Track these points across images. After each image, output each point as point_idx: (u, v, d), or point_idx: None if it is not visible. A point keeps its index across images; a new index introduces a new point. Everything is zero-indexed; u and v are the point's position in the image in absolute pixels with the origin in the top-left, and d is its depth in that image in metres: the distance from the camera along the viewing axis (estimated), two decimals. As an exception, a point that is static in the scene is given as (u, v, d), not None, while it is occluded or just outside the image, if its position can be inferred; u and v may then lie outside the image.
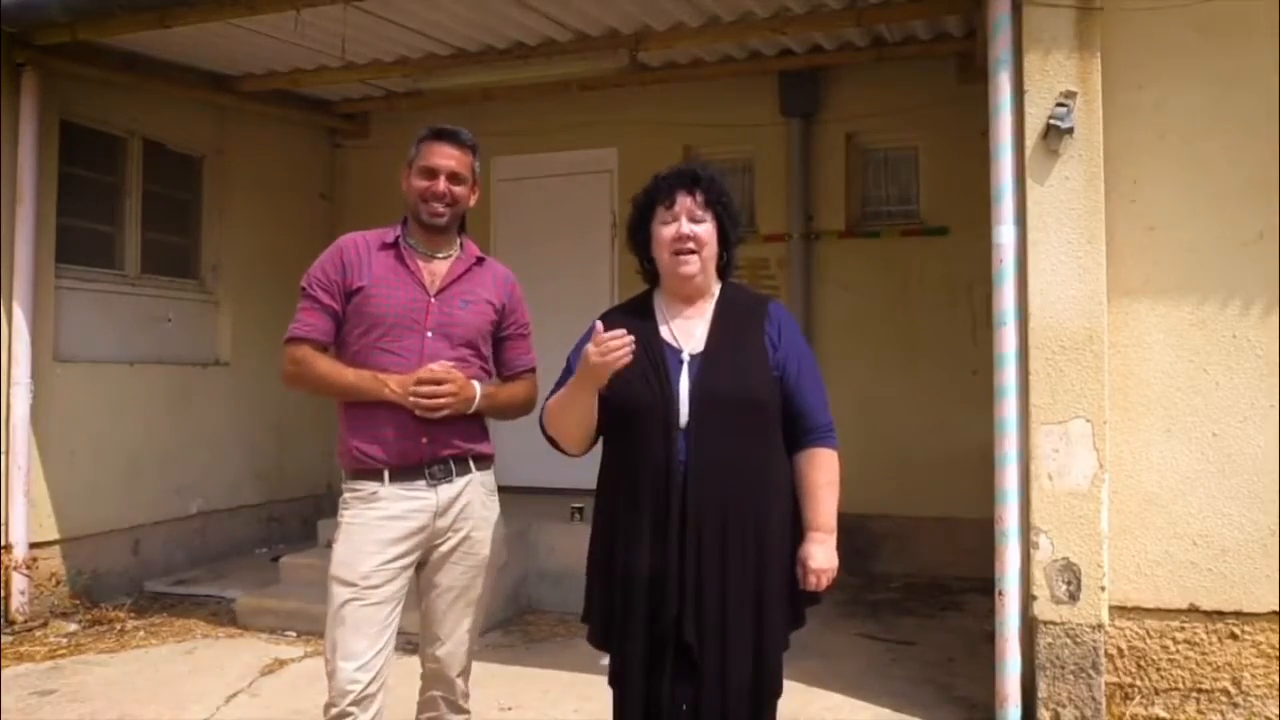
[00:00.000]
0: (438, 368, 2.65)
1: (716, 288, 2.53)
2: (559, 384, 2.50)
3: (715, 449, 2.33)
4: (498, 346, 2.88)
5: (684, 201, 2.43)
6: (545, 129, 6.99)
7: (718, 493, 2.32)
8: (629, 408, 2.37)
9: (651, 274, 2.57)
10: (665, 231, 2.44)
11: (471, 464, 2.78)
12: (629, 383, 2.37)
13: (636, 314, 2.53)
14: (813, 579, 2.42)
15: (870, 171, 6.72)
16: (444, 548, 2.74)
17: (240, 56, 5.99)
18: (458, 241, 2.85)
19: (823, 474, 2.45)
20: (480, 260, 2.86)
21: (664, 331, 2.47)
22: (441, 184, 2.73)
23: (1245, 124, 3.71)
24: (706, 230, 2.44)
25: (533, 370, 2.96)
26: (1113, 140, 3.74)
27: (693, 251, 2.42)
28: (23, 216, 5.25)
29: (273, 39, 5.57)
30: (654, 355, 2.40)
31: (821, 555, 2.42)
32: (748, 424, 2.37)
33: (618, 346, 2.23)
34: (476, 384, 2.73)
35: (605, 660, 2.49)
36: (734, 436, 2.34)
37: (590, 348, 2.26)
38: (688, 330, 2.46)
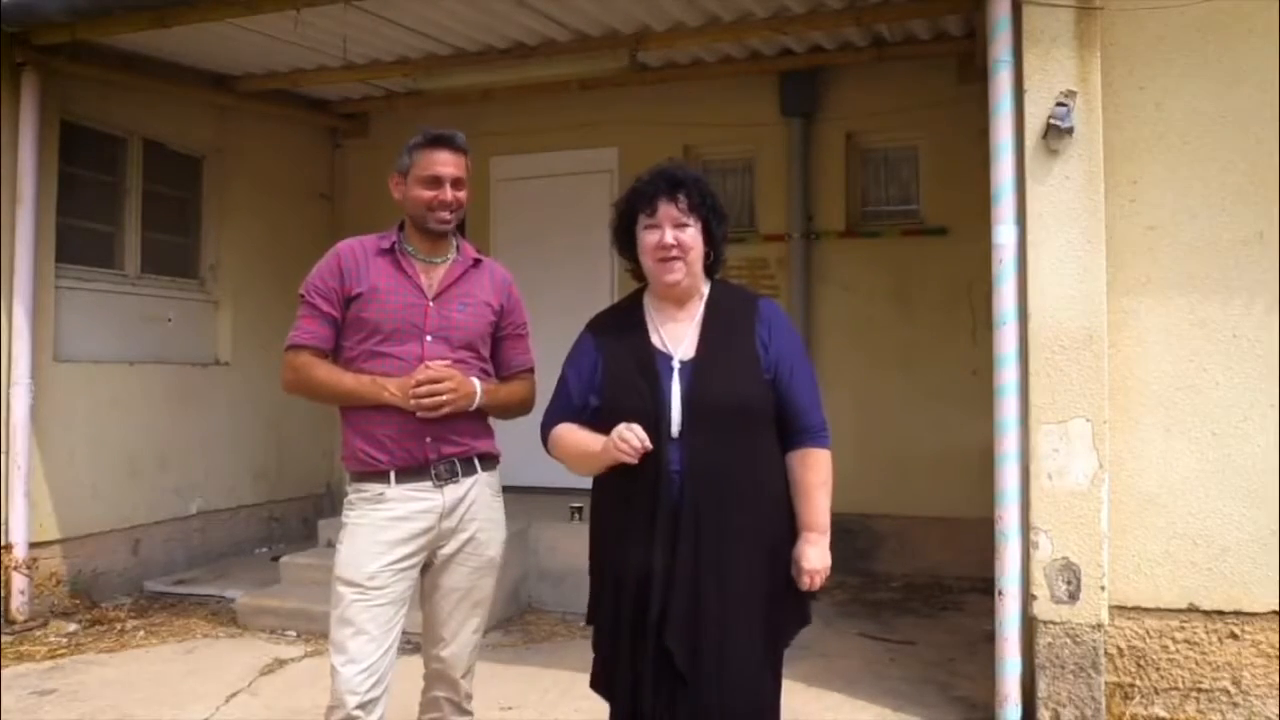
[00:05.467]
0: (434, 366, 2.65)
1: (706, 288, 2.51)
2: (556, 397, 2.51)
3: (708, 457, 2.32)
4: (496, 347, 2.88)
5: (666, 209, 2.39)
6: (545, 129, 6.99)
7: (713, 500, 2.31)
8: (621, 417, 2.34)
9: (640, 274, 2.55)
10: (649, 238, 2.42)
11: (477, 464, 2.78)
12: (621, 391, 2.38)
13: (626, 317, 2.52)
14: (806, 579, 2.42)
15: (870, 171, 6.72)
16: (449, 549, 2.74)
17: (240, 56, 5.99)
18: (454, 244, 2.84)
19: (816, 474, 2.44)
20: (477, 262, 2.86)
21: (654, 337, 2.45)
22: (449, 193, 2.72)
23: (1245, 124, 3.71)
24: (691, 235, 2.40)
25: (530, 370, 2.95)
26: (1113, 140, 3.74)
27: (677, 258, 2.39)
28: (23, 216, 5.24)
29: (273, 39, 5.57)
30: (645, 363, 2.39)
31: (815, 555, 2.42)
32: (740, 430, 2.35)
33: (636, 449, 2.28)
34: (475, 380, 2.74)
35: None
36: (727, 444, 2.33)
37: (620, 446, 2.29)
38: (678, 335, 2.44)
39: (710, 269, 2.51)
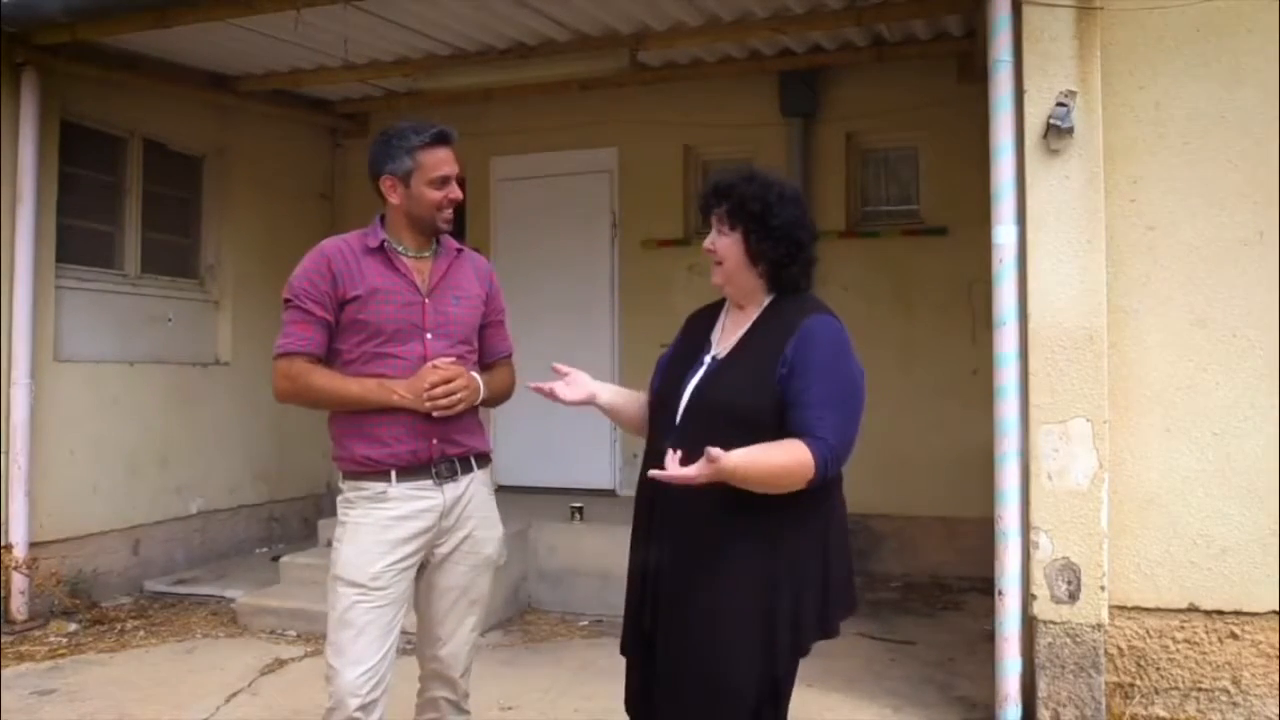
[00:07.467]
0: (441, 365, 2.64)
1: (768, 299, 2.46)
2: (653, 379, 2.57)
3: (693, 450, 2.27)
4: (479, 335, 2.87)
5: (713, 215, 2.47)
6: (545, 129, 6.99)
7: (686, 492, 2.25)
8: (653, 397, 2.49)
9: None
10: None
11: (474, 462, 2.78)
12: (663, 374, 2.48)
13: (711, 311, 2.58)
14: (667, 466, 2.13)
15: (870, 171, 6.72)
16: (446, 547, 2.73)
17: (240, 56, 5.99)
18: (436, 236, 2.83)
19: (781, 447, 2.24)
20: (459, 252, 2.84)
21: (715, 332, 2.50)
22: (457, 191, 2.73)
23: (1245, 124, 3.71)
24: (724, 245, 2.42)
25: (510, 356, 2.96)
26: (1113, 140, 3.74)
27: (717, 263, 2.46)
28: (23, 216, 5.24)
29: (273, 39, 5.57)
30: (691, 352, 2.46)
31: (695, 466, 2.12)
32: (731, 432, 2.27)
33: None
34: (476, 375, 2.74)
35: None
36: (710, 441, 2.23)
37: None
38: (731, 334, 2.47)
39: (776, 281, 2.44)
